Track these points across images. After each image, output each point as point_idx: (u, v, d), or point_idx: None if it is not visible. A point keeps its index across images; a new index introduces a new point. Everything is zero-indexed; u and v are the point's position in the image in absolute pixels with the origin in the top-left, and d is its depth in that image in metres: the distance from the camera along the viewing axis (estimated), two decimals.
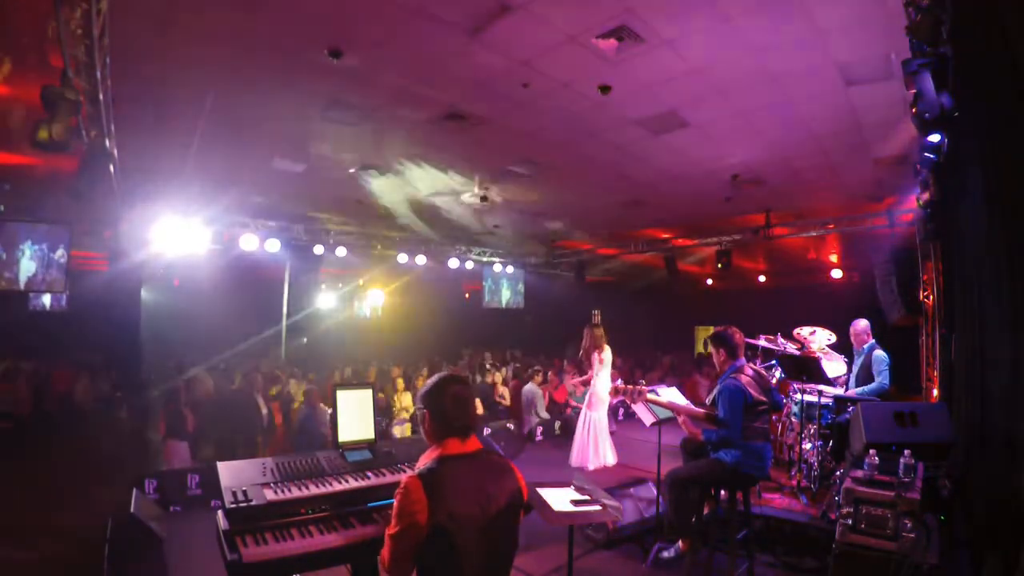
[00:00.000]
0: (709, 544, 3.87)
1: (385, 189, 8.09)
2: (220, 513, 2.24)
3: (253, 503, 2.25)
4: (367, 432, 2.88)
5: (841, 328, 6.07)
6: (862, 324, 5.71)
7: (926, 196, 4.94)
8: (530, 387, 9.24)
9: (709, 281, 15.09)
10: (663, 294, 16.14)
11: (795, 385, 5.76)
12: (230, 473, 2.40)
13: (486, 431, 7.41)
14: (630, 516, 4.72)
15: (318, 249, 9.84)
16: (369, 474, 2.61)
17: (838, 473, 4.86)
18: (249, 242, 8.79)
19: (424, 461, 1.97)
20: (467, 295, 16.17)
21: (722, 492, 3.85)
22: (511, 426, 8.10)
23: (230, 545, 2.09)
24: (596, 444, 6.57)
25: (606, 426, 6.78)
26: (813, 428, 5.41)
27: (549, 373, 10.41)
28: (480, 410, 8.92)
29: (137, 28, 3.81)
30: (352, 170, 7.22)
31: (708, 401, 3.97)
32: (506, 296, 13.54)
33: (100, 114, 3.99)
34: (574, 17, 3.84)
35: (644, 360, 13.84)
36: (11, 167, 6.54)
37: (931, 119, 3.12)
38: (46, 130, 3.26)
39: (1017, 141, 2.60)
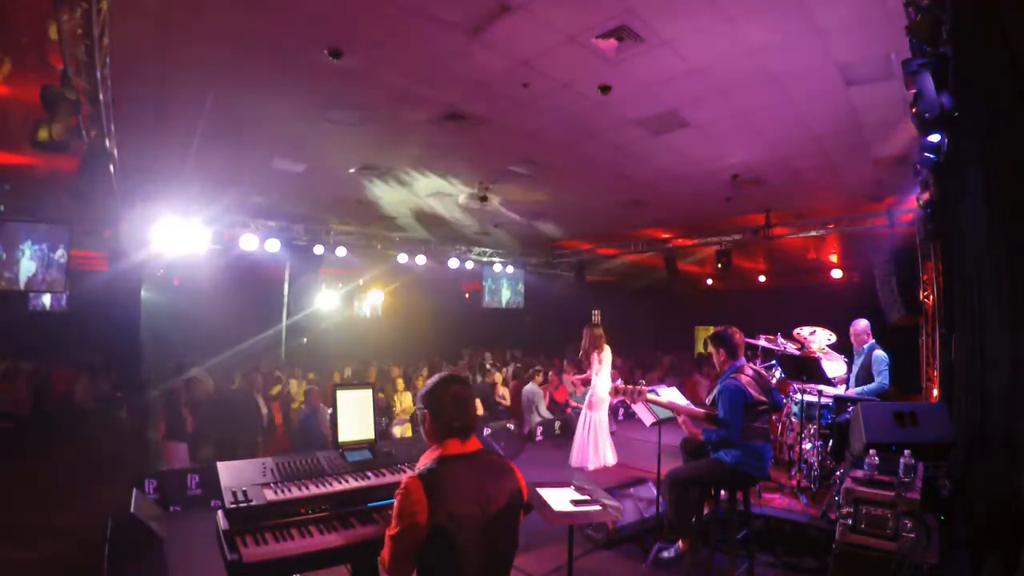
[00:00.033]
0: (709, 544, 3.87)
1: (385, 189, 8.09)
2: (220, 513, 2.24)
3: (253, 503, 2.25)
4: (367, 432, 2.88)
5: (841, 328, 6.07)
6: (862, 324, 5.71)
7: (926, 196, 4.94)
8: (530, 387, 9.24)
9: (709, 281, 15.09)
10: (663, 294, 16.14)
11: (795, 385, 5.76)
12: (230, 473, 2.40)
13: (486, 431, 7.41)
14: (630, 516, 4.72)
15: (318, 249, 9.84)
16: (369, 474, 2.61)
17: (838, 473, 4.87)
18: (249, 242, 8.79)
19: (424, 461, 1.97)
20: (467, 295, 16.17)
21: (722, 492, 3.85)
22: (511, 426, 8.10)
23: (230, 545, 2.09)
24: (596, 444, 6.57)
25: (606, 426, 6.78)
26: (813, 428, 5.41)
27: (550, 373, 10.42)
28: (480, 410, 8.92)
29: (137, 28, 3.80)
30: (352, 170, 7.22)
31: (708, 401, 3.97)
32: (506, 296, 13.54)
33: (100, 114, 4.00)
34: (574, 17, 3.84)
35: (644, 360, 13.83)
36: (11, 167, 6.54)
37: (931, 119, 3.12)
38: (46, 130, 3.27)
39: (1017, 141, 2.61)
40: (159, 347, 8.70)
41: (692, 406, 4.16)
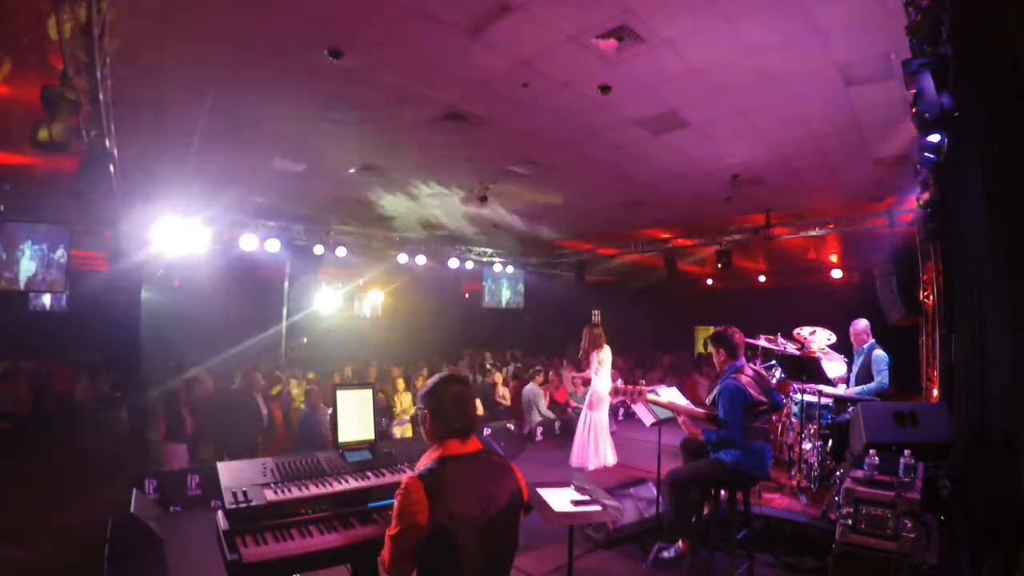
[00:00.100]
0: (709, 544, 3.86)
1: (385, 191, 8.09)
2: (220, 513, 2.25)
3: (253, 503, 2.25)
4: (367, 432, 2.88)
5: (841, 328, 6.06)
6: (862, 324, 5.71)
7: (926, 196, 4.94)
8: (531, 387, 9.24)
9: (709, 281, 15.08)
10: (663, 294, 16.13)
11: (795, 385, 5.76)
12: (230, 473, 2.40)
13: (486, 431, 7.42)
14: (630, 516, 4.72)
15: (318, 249, 9.83)
16: (369, 474, 2.61)
17: (838, 473, 4.86)
18: (249, 242, 8.78)
19: (424, 461, 1.97)
20: (467, 295, 16.17)
21: (722, 492, 3.85)
22: (511, 426, 8.10)
23: (230, 545, 2.09)
24: (596, 444, 6.57)
25: (607, 426, 6.79)
26: (813, 428, 5.41)
27: (550, 373, 10.41)
28: (480, 410, 8.91)
29: (137, 28, 3.80)
30: (352, 170, 7.21)
31: (708, 401, 3.98)
32: (506, 296, 13.54)
33: (100, 114, 3.99)
34: (574, 17, 3.84)
35: (644, 360, 13.83)
36: (11, 167, 6.54)
37: (931, 119, 3.12)
38: (46, 130, 3.26)
39: (1017, 141, 2.60)
40: (159, 347, 8.70)
41: (692, 406, 4.16)
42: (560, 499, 2.79)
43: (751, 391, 3.64)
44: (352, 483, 2.53)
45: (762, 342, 6.22)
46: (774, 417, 5.83)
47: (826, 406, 5.35)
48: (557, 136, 6.01)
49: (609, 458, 6.60)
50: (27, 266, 6.93)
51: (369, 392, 2.98)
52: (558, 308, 14.66)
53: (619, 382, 4.56)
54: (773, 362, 6.27)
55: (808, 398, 5.54)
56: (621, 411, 9.85)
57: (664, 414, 4.36)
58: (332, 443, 2.83)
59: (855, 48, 4.06)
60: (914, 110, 3.17)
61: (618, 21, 3.85)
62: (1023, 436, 2.73)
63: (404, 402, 8.70)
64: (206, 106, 5.02)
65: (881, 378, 5.31)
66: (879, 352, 5.45)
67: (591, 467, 6.46)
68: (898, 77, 3.42)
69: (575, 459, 6.62)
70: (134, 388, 7.22)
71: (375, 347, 13.55)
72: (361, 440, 2.85)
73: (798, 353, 6.07)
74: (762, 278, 14.30)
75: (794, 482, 5.47)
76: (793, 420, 5.86)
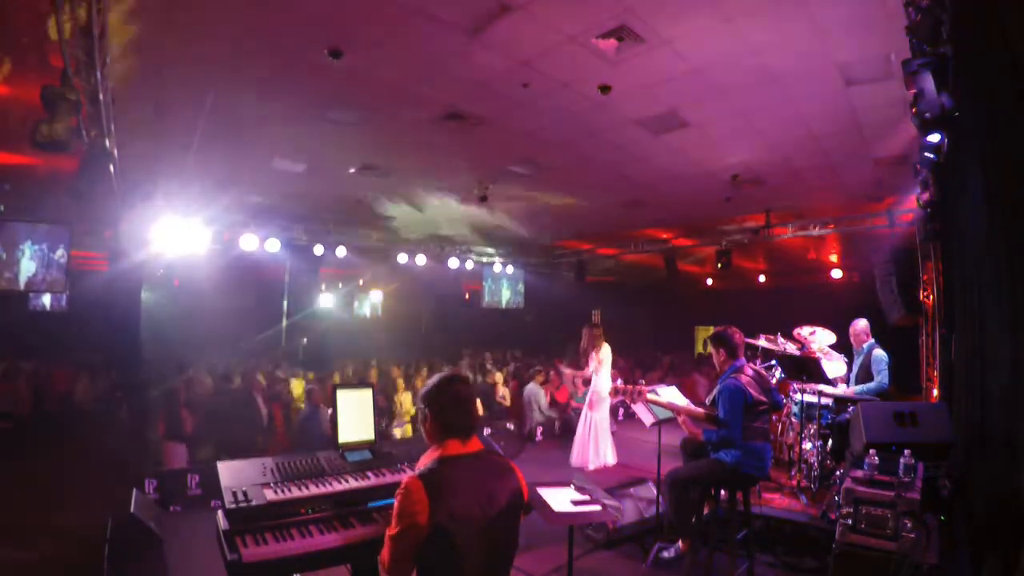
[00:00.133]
0: (709, 544, 3.86)
1: (385, 190, 8.09)
2: (220, 513, 2.24)
3: (253, 503, 2.25)
4: (367, 432, 2.88)
5: (841, 328, 6.06)
6: (862, 324, 5.71)
7: (926, 196, 4.94)
8: (531, 387, 9.24)
9: (709, 281, 15.07)
10: (663, 294, 16.13)
11: (795, 385, 5.76)
12: (230, 473, 2.40)
13: (486, 431, 7.41)
14: (630, 516, 4.72)
15: (318, 249, 9.84)
16: (369, 474, 2.61)
17: (838, 473, 4.86)
18: (249, 242, 8.79)
19: (425, 461, 1.97)
20: (467, 295, 16.17)
21: (722, 492, 3.85)
22: (511, 426, 8.11)
23: (230, 545, 2.09)
24: (596, 444, 6.58)
25: (607, 426, 6.79)
26: (813, 428, 5.41)
27: (551, 373, 10.41)
28: (480, 410, 8.91)
29: (137, 28, 3.80)
30: (352, 170, 7.22)
31: (708, 401, 3.97)
32: (506, 296, 13.54)
33: (100, 114, 3.99)
34: (574, 17, 3.84)
35: (644, 360, 13.82)
36: (11, 167, 6.54)
37: (931, 119, 3.12)
38: (46, 130, 3.26)
39: (1017, 141, 2.60)
40: (159, 347, 8.71)
41: (692, 406, 4.16)
42: (560, 499, 2.79)
43: (751, 391, 3.63)
44: (352, 483, 2.52)
45: (762, 342, 6.21)
46: (774, 417, 5.83)
47: (826, 406, 5.35)
48: (557, 136, 6.01)
49: (609, 458, 6.60)
50: (27, 266, 6.94)
51: (369, 392, 2.97)
52: (558, 308, 14.66)
53: (619, 382, 4.55)
54: (773, 362, 6.27)
55: (808, 398, 5.53)
56: (621, 411, 9.84)
57: (664, 414, 4.35)
58: (332, 443, 2.82)
59: (855, 48, 4.06)
60: (914, 110, 3.18)
61: (618, 21, 3.85)
62: (1023, 436, 2.73)
63: (404, 402, 8.70)
64: (206, 106, 5.02)
65: (881, 378, 5.31)
66: (879, 352, 5.45)
67: (591, 467, 6.47)
68: (898, 77, 3.42)
69: (575, 459, 6.63)
70: (134, 388, 7.22)
71: (375, 347, 13.55)
72: (361, 440, 2.85)
73: (798, 353, 6.07)
74: (762, 278, 14.28)
75: (794, 482, 5.47)
76: (793, 420, 5.86)
